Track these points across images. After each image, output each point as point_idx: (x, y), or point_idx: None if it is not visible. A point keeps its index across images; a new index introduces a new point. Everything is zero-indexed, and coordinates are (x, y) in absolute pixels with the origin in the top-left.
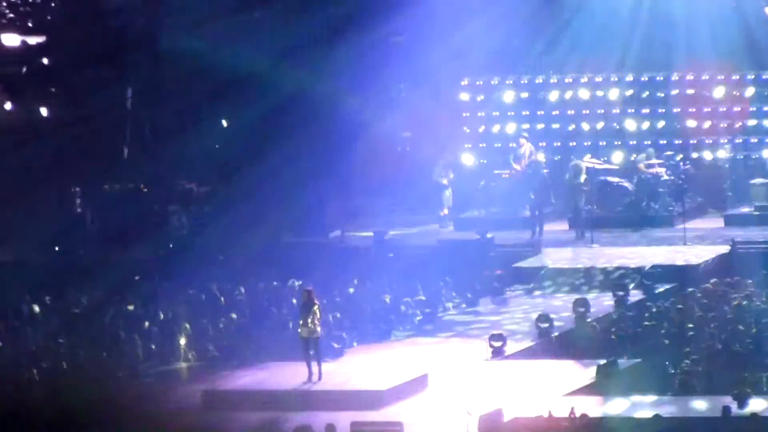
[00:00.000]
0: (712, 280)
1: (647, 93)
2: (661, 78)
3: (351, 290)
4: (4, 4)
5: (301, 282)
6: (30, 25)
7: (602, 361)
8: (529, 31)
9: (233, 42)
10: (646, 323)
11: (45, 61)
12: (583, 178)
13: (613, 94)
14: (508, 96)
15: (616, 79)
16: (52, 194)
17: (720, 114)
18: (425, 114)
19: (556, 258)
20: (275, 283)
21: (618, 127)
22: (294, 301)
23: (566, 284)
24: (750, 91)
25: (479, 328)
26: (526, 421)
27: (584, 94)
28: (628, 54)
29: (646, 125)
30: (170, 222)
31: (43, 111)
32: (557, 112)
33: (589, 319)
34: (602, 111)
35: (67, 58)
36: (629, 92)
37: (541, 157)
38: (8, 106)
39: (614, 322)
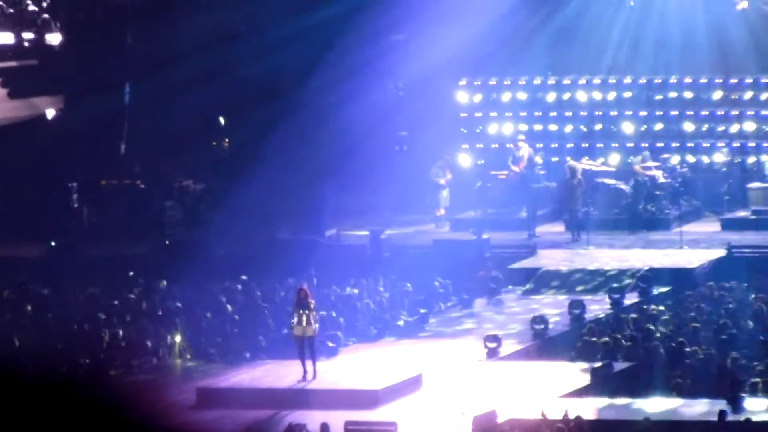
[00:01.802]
0: (708, 284)
1: (645, 95)
2: (659, 80)
3: (347, 289)
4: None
5: (296, 280)
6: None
7: (597, 364)
8: (527, 31)
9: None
10: (642, 326)
11: (48, 56)
12: (577, 179)
13: (611, 96)
14: (506, 96)
15: (614, 81)
16: (48, 188)
17: (718, 117)
18: (422, 113)
19: (552, 259)
20: (270, 280)
21: (615, 129)
22: (286, 298)
23: (562, 286)
24: (748, 95)
25: (474, 328)
26: (520, 423)
27: (582, 95)
28: (626, 56)
29: (643, 127)
30: (166, 218)
31: (43, 106)
32: (555, 114)
33: (585, 321)
34: (599, 113)
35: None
36: (627, 94)
37: (538, 159)
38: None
39: (609, 324)
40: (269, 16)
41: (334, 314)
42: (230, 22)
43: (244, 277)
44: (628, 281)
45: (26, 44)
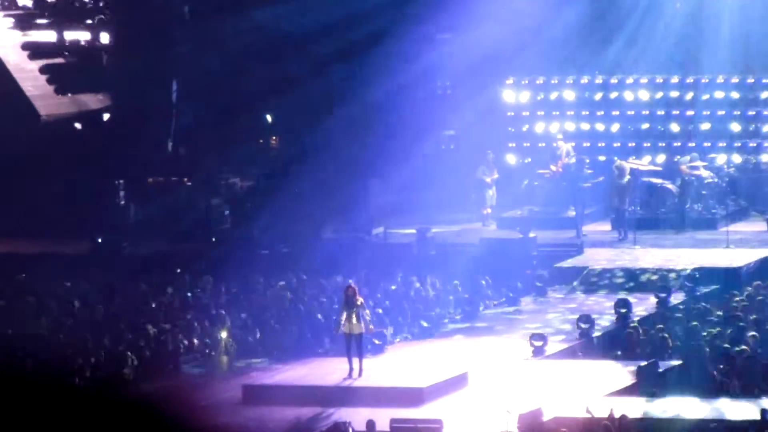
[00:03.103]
0: (754, 283)
1: (692, 95)
2: (706, 80)
3: (393, 287)
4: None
5: (344, 278)
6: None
7: (643, 363)
8: (576, 31)
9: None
10: (687, 325)
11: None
12: (626, 178)
13: (658, 95)
14: (553, 95)
15: (661, 80)
16: (95, 185)
17: (764, 117)
18: (469, 112)
19: (598, 258)
20: (318, 278)
21: (662, 128)
22: (333, 296)
23: (608, 285)
24: None
25: (520, 327)
26: (566, 421)
27: (629, 95)
28: (673, 56)
29: (690, 127)
30: (213, 215)
31: (89, 103)
32: (602, 113)
33: (631, 320)
34: (646, 112)
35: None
36: (674, 94)
37: (584, 158)
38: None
39: (656, 323)
40: (316, 14)
41: (380, 312)
42: (277, 20)
43: (290, 275)
44: (674, 280)
45: (75, 42)
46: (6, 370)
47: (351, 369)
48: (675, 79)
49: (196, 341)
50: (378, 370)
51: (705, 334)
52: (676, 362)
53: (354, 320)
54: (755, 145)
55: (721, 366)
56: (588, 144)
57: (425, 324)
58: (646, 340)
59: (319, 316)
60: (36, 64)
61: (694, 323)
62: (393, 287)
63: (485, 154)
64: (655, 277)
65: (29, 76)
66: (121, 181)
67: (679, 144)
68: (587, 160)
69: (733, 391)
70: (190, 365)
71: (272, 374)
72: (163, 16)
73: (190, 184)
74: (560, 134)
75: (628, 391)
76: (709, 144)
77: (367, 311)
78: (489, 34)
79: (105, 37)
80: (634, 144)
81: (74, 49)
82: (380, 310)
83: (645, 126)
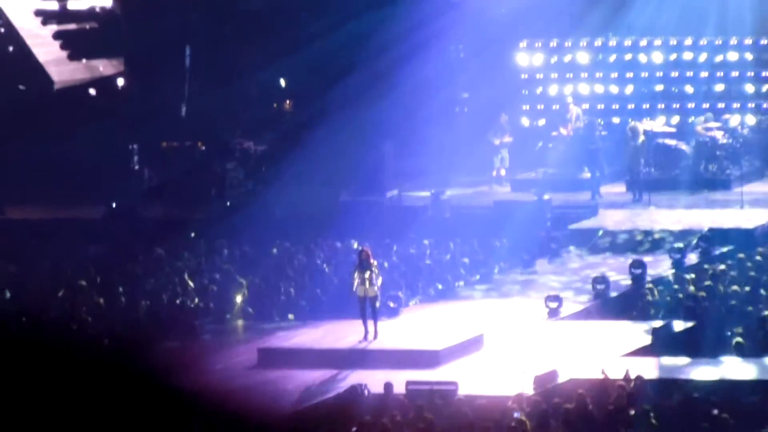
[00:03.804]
0: None
1: (705, 56)
2: (720, 42)
3: (412, 250)
4: None
5: (358, 241)
6: None
7: (658, 323)
8: None
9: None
10: (702, 286)
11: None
12: (641, 140)
13: (672, 57)
14: (567, 58)
15: (675, 42)
16: (109, 150)
17: None
18: (483, 75)
19: (613, 220)
20: (332, 241)
21: (676, 90)
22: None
23: (623, 246)
24: None
25: (535, 288)
26: (582, 382)
27: (643, 57)
28: (687, 17)
29: (704, 88)
30: (228, 180)
31: (103, 68)
32: (616, 75)
33: (646, 281)
34: (660, 74)
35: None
36: (688, 55)
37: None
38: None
39: (670, 284)
40: None
41: (395, 275)
42: None
43: (305, 238)
44: (688, 241)
45: (88, 8)
46: (23, 335)
47: (366, 332)
48: (689, 41)
49: (211, 305)
50: (393, 333)
51: (719, 294)
52: (690, 323)
53: (368, 283)
54: None
55: (736, 326)
56: (602, 106)
57: (440, 286)
58: (661, 301)
59: (335, 279)
60: (49, 30)
61: (709, 283)
62: (412, 251)
63: (498, 116)
64: (670, 238)
65: (42, 42)
66: (136, 146)
67: (693, 105)
68: (601, 122)
69: (747, 351)
70: (206, 329)
71: (288, 337)
72: None
73: (204, 148)
74: (570, 97)
75: (643, 352)
76: (723, 105)
77: (379, 276)
78: None
79: (118, 2)
80: (648, 106)
81: (87, 15)
82: (395, 273)
83: (659, 88)
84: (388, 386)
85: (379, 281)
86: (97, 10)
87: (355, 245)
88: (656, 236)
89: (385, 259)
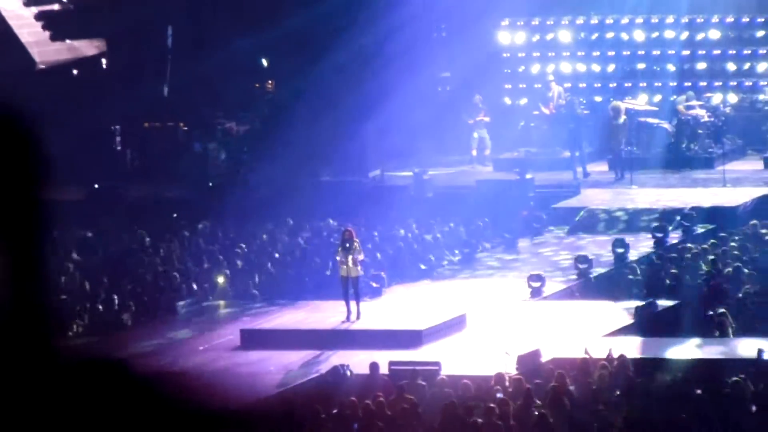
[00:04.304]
0: (751, 222)
1: (687, 34)
2: (702, 20)
3: (401, 231)
4: None
5: (340, 222)
6: None
7: (640, 303)
8: None
9: None
10: (685, 265)
11: None
12: (622, 119)
13: (654, 35)
14: (549, 36)
15: (657, 20)
16: (91, 131)
17: (760, 56)
18: (465, 54)
19: (595, 199)
20: (314, 221)
21: (658, 68)
22: (330, 239)
23: (605, 225)
24: None
25: (518, 268)
26: (564, 362)
27: (624, 35)
28: None
29: (686, 67)
30: (209, 160)
31: (84, 49)
32: (597, 53)
33: (628, 260)
34: (642, 52)
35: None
36: (670, 34)
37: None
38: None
39: (653, 263)
40: None
41: (378, 255)
42: None
43: (287, 219)
44: (671, 220)
45: None
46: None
47: (349, 312)
48: (670, 19)
49: (194, 286)
50: (376, 313)
51: (702, 273)
52: (673, 302)
53: (351, 263)
54: (751, 84)
55: (718, 305)
56: (584, 85)
57: (423, 267)
58: (644, 280)
59: (317, 259)
60: (31, 11)
61: (691, 262)
62: (400, 231)
63: (482, 96)
64: (652, 217)
65: (25, 23)
66: (118, 127)
67: (674, 84)
68: (583, 101)
69: (729, 330)
70: (189, 310)
71: (270, 318)
72: None
73: (186, 128)
74: (551, 76)
75: (626, 331)
76: (705, 83)
77: (361, 255)
78: None
79: None
80: (630, 84)
81: None
82: (378, 254)
83: (641, 66)
84: (374, 366)
85: (361, 258)
86: None
87: (337, 225)
88: (639, 215)
89: (368, 240)
